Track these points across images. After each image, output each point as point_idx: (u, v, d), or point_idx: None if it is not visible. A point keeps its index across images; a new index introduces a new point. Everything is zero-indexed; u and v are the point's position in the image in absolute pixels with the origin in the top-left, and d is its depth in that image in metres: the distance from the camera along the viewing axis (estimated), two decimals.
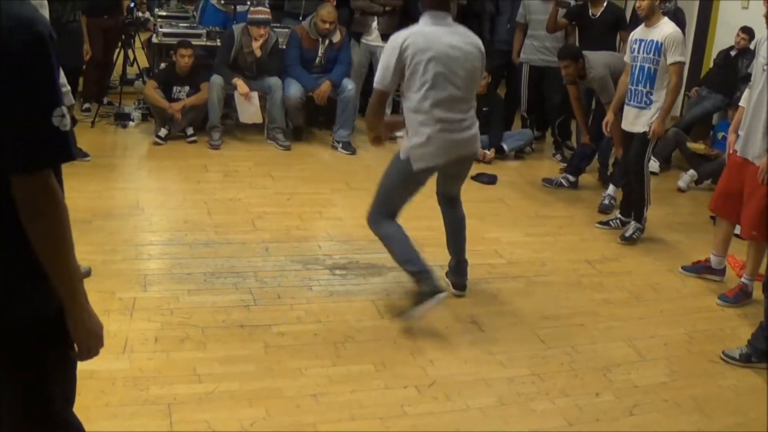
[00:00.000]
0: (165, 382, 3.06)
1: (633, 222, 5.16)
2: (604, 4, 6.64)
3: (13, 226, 1.56)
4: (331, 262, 4.40)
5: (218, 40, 6.99)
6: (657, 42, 4.87)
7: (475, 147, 3.97)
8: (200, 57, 6.88)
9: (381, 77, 3.66)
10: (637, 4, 5.09)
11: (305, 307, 3.83)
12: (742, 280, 4.40)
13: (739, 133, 4.26)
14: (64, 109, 1.56)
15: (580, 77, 5.85)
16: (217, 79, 6.51)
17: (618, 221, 5.38)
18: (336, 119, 6.88)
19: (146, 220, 4.75)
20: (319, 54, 6.87)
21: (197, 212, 4.98)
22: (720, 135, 6.95)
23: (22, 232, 1.56)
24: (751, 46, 5.42)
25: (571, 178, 6.17)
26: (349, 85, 6.81)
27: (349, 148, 6.71)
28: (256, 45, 6.53)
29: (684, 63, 4.99)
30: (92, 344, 1.72)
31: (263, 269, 4.21)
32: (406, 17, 7.50)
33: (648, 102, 4.93)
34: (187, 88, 6.56)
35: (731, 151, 4.35)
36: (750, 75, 4.40)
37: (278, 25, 7.20)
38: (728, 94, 7.11)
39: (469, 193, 5.90)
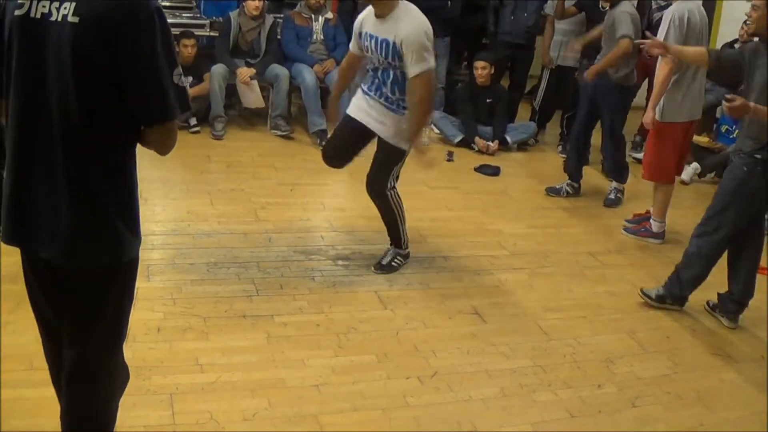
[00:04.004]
0: (167, 372, 3.06)
1: None
2: None
3: (124, 182, 2.01)
4: (334, 253, 4.39)
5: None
6: (392, 43, 3.76)
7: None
8: (203, 47, 6.86)
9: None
10: None
11: (308, 297, 3.83)
12: (650, 219, 5.11)
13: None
14: (180, 69, 1.93)
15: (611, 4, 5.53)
16: (218, 69, 6.49)
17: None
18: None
19: (149, 211, 4.74)
20: (315, 30, 6.86)
21: (200, 202, 4.97)
22: (724, 128, 6.93)
23: (121, 189, 2.00)
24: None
25: (575, 185, 6.00)
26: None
27: (324, 135, 6.53)
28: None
29: (432, 69, 3.78)
30: None
31: (266, 259, 4.21)
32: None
33: (400, 106, 3.93)
34: (190, 78, 6.53)
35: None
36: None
37: (280, 16, 7.18)
38: (732, 87, 7.06)
39: (472, 184, 5.95)
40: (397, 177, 4.12)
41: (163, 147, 2.02)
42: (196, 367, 3.13)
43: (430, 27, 3.80)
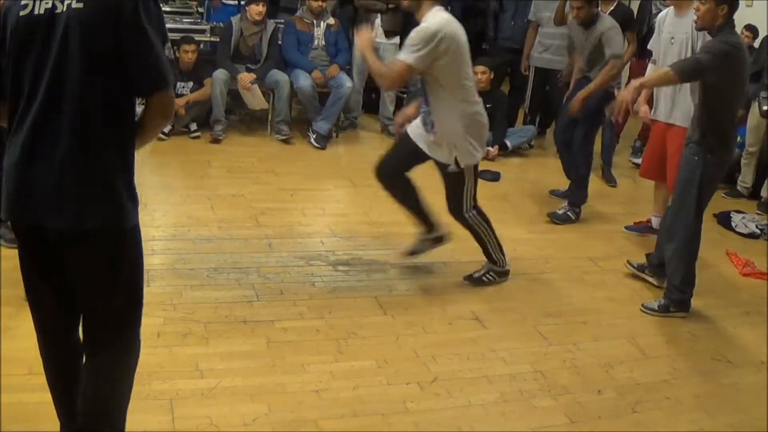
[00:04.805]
0: (167, 377, 3.06)
1: None
2: (614, 4, 6.49)
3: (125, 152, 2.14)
4: (334, 258, 4.40)
5: None
6: None
7: None
8: (204, 53, 6.88)
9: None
10: None
11: (308, 303, 3.83)
12: (652, 217, 5.18)
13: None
14: (169, 44, 2.16)
15: (585, 24, 5.39)
16: (219, 74, 6.50)
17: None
18: (323, 110, 6.75)
19: (149, 216, 4.74)
20: (316, 36, 6.86)
21: (200, 208, 4.98)
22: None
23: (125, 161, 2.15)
24: (656, 22, 5.14)
25: (577, 210, 5.58)
26: (347, 83, 6.78)
27: (321, 142, 6.62)
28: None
29: (406, 63, 3.82)
30: None
31: (266, 265, 4.21)
32: (409, 15, 7.47)
33: (431, 125, 3.97)
34: (190, 83, 6.56)
35: (650, 120, 4.96)
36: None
37: (280, 22, 7.20)
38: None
39: None
40: (474, 200, 4.13)
41: (164, 116, 2.18)
42: (196, 373, 3.13)
43: (447, 30, 3.84)
